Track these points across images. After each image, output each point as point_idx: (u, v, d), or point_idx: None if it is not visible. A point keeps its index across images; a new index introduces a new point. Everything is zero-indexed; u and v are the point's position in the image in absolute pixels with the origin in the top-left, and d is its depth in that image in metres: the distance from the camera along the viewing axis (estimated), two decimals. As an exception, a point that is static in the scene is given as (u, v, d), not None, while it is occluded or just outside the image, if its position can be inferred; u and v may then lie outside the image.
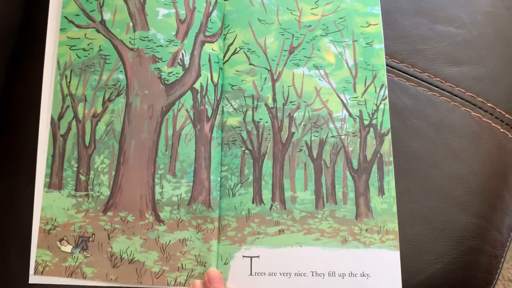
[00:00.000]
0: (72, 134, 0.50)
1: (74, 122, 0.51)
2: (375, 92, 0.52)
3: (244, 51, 0.53)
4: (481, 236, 0.51)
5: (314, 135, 0.51)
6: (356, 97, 0.52)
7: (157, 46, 0.51)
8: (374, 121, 0.51)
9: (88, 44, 0.51)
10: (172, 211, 0.49)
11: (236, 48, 0.53)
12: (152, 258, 0.48)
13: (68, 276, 0.48)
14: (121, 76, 0.51)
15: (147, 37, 0.51)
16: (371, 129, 0.51)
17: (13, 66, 0.54)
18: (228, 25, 0.53)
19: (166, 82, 0.51)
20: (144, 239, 0.49)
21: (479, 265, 0.51)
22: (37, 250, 0.48)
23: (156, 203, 0.49)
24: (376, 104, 0.52)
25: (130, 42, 0.51)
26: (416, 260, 0.50)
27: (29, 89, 0.52)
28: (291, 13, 0.54)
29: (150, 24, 0.51)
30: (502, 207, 0.52)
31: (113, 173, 0.50)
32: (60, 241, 0.49)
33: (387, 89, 0.52)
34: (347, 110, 0.52)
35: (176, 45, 0.51)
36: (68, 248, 0.48)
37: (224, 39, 0.53)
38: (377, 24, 0.53)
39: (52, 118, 0.51)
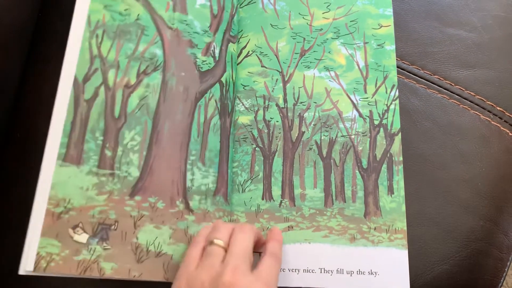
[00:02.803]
0: (99, 102, 0.44)
1: (102, 89, 0.44)
2: (386, 92, 0.53)
3: (256, 54, 0.54)
4: (488, 239, 0.51)
5: (324, 135, 0.52)
6: (367, 98, 0.52)
7: (193, 32, 0.49)
8: (384, 121, 0.52)
9: (125, 9, 0.47)
10: (201, 200, 0.46)
11: (248, 51, 0.54)
12: (180, 251, 0.43)
13: (80, 273, 0.39)
14: (159, 52, 0.47)
15: (185, 20, 0.49)
16: (381, 129, 0.52)
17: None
18: (242, 30, 0.54)
19: (200, 69, 0.49)
20: (173, 229, 0.43)
21: (485, 267, 0.51)
22: (40, 240, 0.39)
23: (187, 191, 0.45)
24: (386, 105, 0.52)
25: (169, 20, 0.49)
26: (423, 261, 0.50)
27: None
28: (303, 18, 0.54)
29: (189, 9, 0.50)
30: (509, 211, 0.52)
31: (144, 152, 0.44)
32: (73, 228, 0.40)
33: (397, 90, 0.53)
34: (357, 110, 0.52)
35: (210, 37, 0.50)
36: (83, 237, 0.40)
37: (237, 42, 0.54)
38: (389, 25, 0.54)
39: (76, 79, 0.43)
